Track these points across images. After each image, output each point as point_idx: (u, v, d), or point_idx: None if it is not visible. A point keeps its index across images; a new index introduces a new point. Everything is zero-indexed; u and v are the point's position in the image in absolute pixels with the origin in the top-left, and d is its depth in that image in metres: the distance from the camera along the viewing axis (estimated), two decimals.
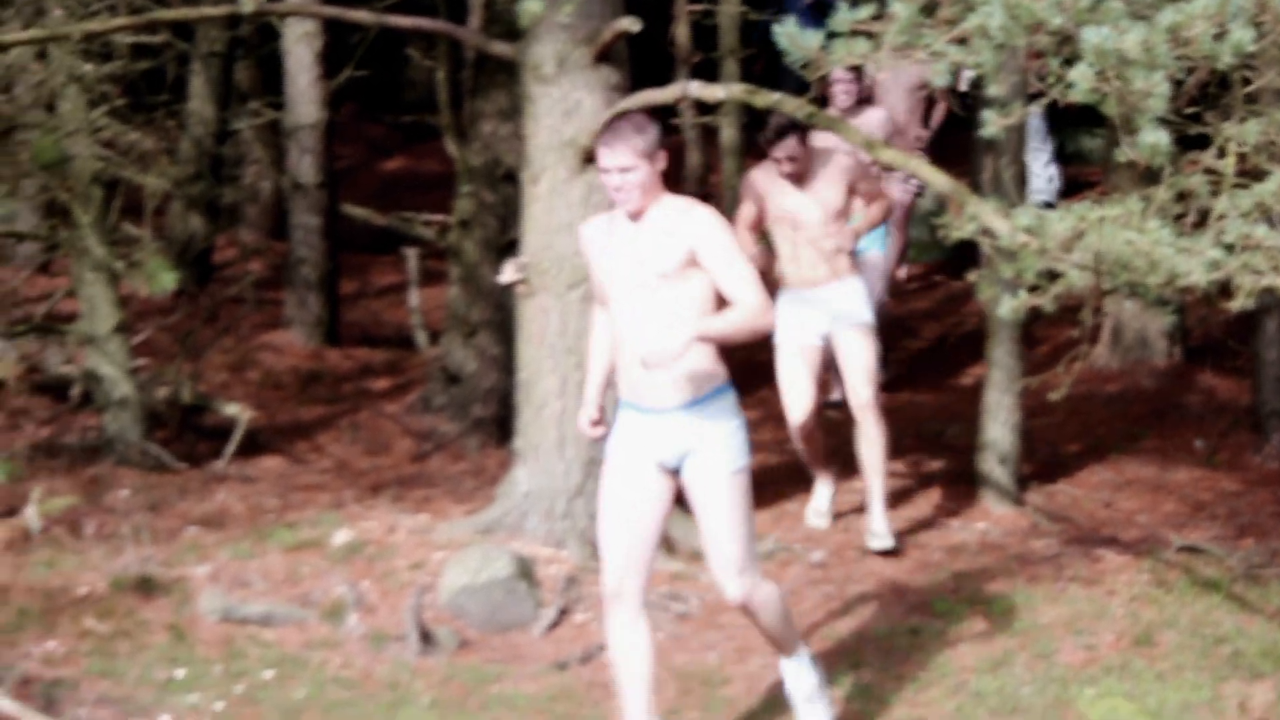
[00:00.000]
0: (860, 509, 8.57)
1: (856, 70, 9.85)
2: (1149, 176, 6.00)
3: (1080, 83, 5.17)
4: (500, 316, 9.76)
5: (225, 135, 13.10)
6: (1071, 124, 14.29)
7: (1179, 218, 5.72)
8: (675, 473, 5.92)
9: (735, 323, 5.63)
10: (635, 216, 5.80)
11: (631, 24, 7.70)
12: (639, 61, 8.32)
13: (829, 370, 9.22)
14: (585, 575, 7.70)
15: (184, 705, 6.71)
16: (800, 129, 8.10)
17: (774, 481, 9.05)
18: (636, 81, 8.01)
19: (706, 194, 15.01)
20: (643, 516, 5.90)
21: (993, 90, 5.80)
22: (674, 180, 14.86)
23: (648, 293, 5.75)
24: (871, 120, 10.15)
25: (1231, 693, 6.76)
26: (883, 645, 7.26)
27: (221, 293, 12.30)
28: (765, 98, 7.40)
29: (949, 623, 7.48)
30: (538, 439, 8.06)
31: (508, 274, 8.09)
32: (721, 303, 5.74)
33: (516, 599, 7.50)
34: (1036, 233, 5.73)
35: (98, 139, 9.28)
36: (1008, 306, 6.09)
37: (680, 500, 8.42)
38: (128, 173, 9.59)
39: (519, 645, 7.30)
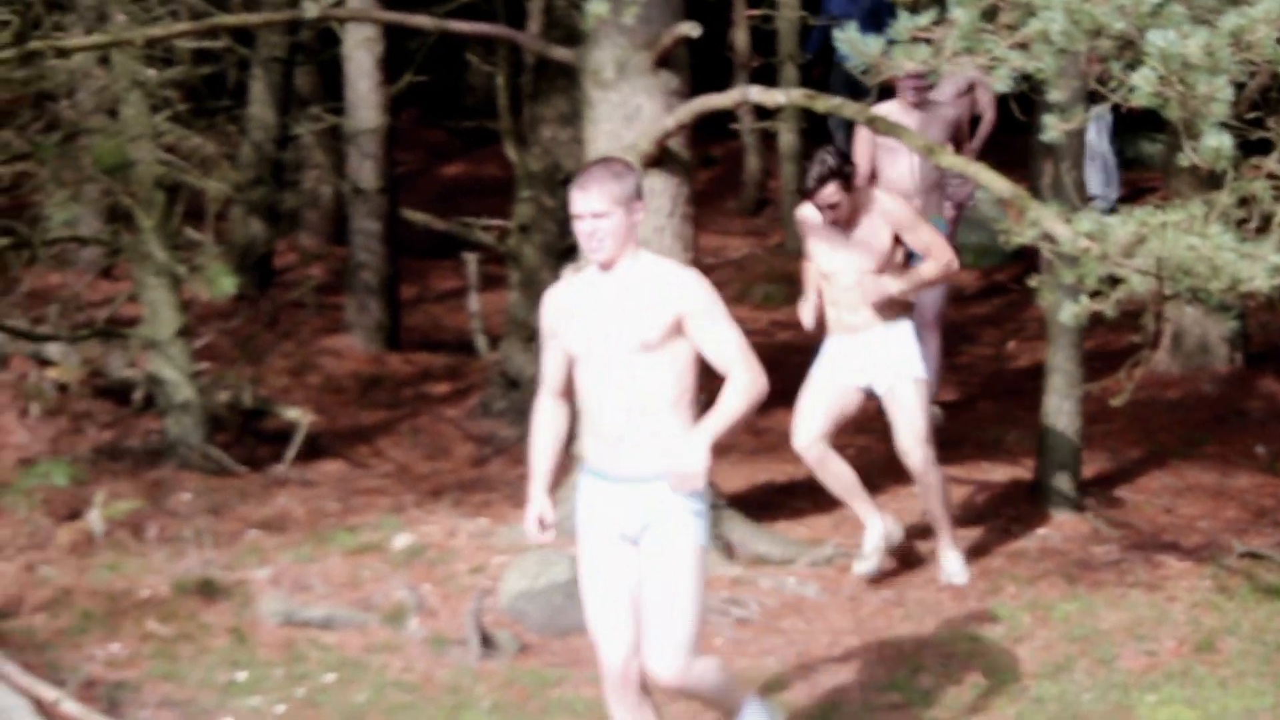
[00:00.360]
0: (918, 514, 8.52)
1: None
2: (1211, 181, 6.00)
3: (1143, 87, 5.16)
4: None
5: (286, 140, 13.16)
6: (1131, 129, 14.23)
7: (1241, 223, 5.70)
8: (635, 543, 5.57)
9: (739, 409, 5.39)
10: (606, 267, 5.48)
11: (691, 29, 7.69)
12: (698, 67, 8.31)
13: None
14: None
15: (246, 708, 6.74)
16: (842, 176, 7.59)
17: None
18: (696, 86, 8.02)
19: (765, 199, 15.09)
20: (630, 595, 5.55)
21: (1053, 95, 5.80)
22: (733, 184, 14.96)
23: (628, 361, 5.44)
24: (941, 116, 10.10)
25: None
26: (943, 650, 7.24)
27: (282, 297, 12.38)
28: (825, 102, 7.46)
29: (1010, 628, 7.47)
30: None
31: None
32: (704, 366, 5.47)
33: (576, 603, 7.46)
34: (1098, 238, 5.74)
35: (160, 144, 9.33)
36: (1069, 312, 6.07)
37: (740, 504, 8.49)
38: (189, 178, 9.66)
39: (579, 649, 7.29)
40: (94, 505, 8.23)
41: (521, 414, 10.07)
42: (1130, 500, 9.17)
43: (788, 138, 13.49)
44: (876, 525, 7.90)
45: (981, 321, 12.96)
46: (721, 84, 8.41)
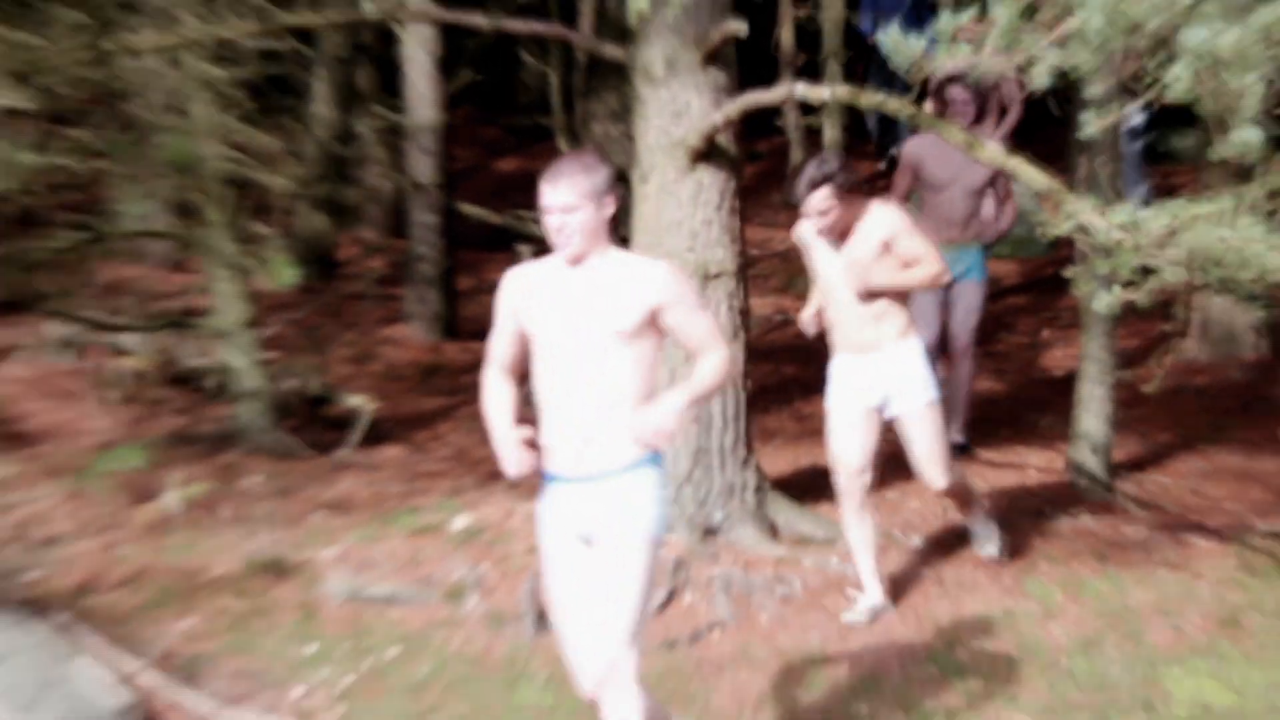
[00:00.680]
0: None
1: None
2: (1242, 174, 6.12)
3: (1178, 82, 5.26)
4: None
5: (347, 137, 13.29)
6: (1163, 124, 14.29)
7: (1271, 215, 5.79)
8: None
9: (712, 382, 5.38)
10: (574, 262, 5.38)
11: (739, 27, 7.72)
12: (744, 64, 8.33)
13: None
14: (694, 559, 7.83)
15: (315, 679, 6.90)
16: (836, 181, 7.21)
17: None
18: (743, 83, 8.03)
19: None
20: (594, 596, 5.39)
21: (1091, 91, 5.93)
22: (778, 179, 15.03)
23: (598, 352, 5.33)
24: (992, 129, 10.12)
25: None
26: (978, 625, 7.38)
27: (344, 289, 12.51)
28: (869, 98, 7.37)
29: (1042, 604, 7.58)
30: None
31: None
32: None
33: None
34: (1132, 230, 5.86)
35: (227, 141, 9.39)
36: (1103, 301, 6.21)
37: (784, 486, 8.59)
38: (255, 174, 9.70)
39: None
40: (169, 487, 8.38)
41: None
42: (1159, 482, 9.25)
43: (832, 133, 13.51)
44: (876, 594, 7.60)
45: (1018, 311, 13.04)
46: (767, 81, 8.46)
